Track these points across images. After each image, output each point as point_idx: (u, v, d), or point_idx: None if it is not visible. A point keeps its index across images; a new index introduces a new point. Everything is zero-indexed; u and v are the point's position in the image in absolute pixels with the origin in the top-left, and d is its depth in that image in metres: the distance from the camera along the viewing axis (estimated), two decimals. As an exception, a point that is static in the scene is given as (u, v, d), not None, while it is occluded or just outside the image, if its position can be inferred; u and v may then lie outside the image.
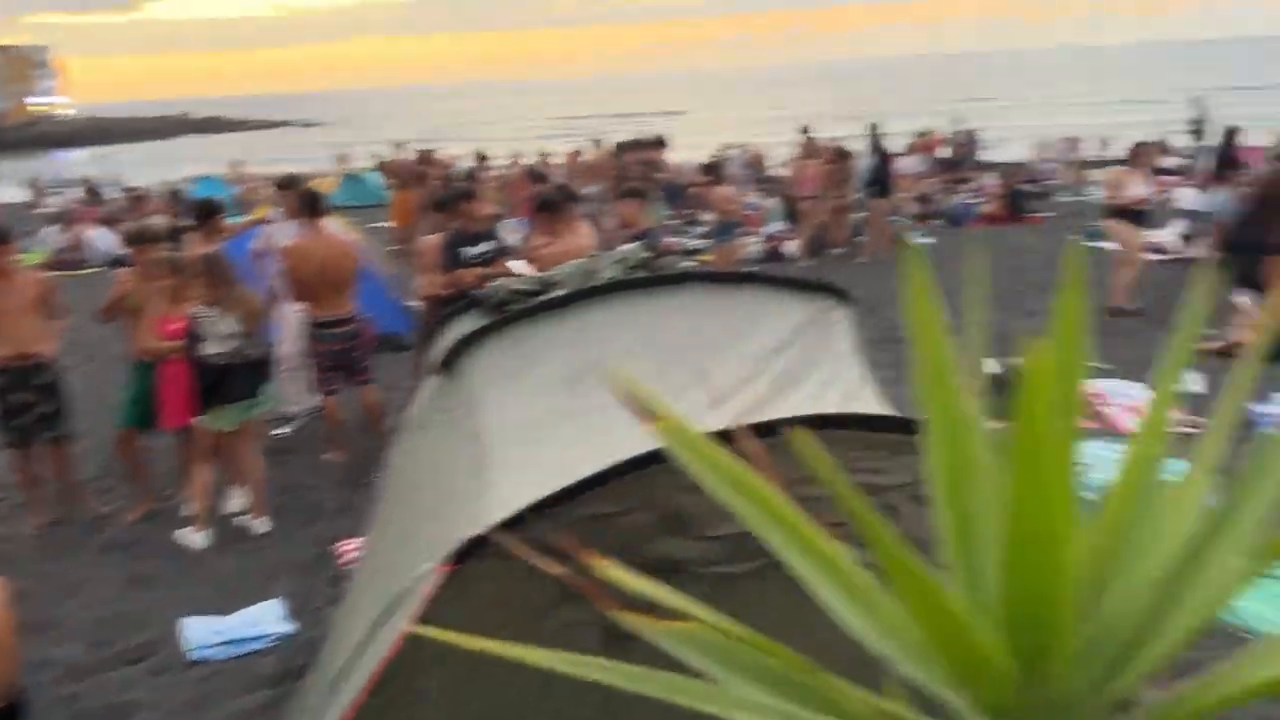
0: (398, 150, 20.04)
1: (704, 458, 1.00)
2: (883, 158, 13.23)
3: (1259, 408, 6.90)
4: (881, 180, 13.10)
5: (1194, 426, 5.21)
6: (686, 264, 12.49)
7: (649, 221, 7.16)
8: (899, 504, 2.16)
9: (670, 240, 12.78)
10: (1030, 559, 0.90)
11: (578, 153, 18.85)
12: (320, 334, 6.45)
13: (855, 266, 12.88)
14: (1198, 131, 19.65)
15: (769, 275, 3.72)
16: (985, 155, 24.96)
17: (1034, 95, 71.82)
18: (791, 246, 13.79)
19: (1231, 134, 13.07)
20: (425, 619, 2.01)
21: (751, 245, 13.64)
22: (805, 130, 17.53)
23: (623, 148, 17.13)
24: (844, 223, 13.65)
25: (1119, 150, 25.11)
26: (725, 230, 11.97)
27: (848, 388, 3.02)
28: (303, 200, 6.51)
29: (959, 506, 0.94)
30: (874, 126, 13.37)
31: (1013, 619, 0.93)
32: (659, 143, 17.34)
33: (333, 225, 7.31)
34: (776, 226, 14.69)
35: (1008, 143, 30.04)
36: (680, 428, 1.02)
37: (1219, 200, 10.79)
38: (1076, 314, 0.99)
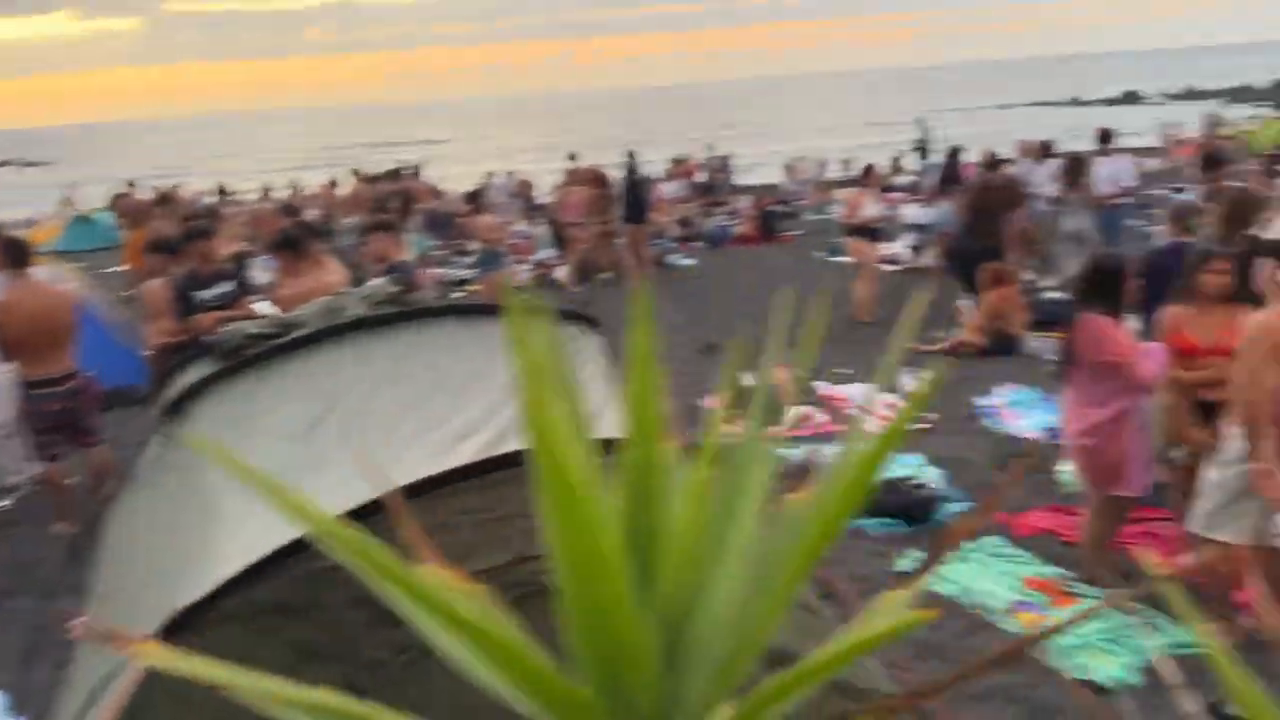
0: (130, 188, 18.55)
1: (347, 546, 0.95)
2: (635, 183, 13.56)
3: (981, 400, 7.61)
4: (638, 205, 13.43)
5: (924, 421, 5.58)
6: (455, 294, 12.32)
7: (403, 254, 6.97)
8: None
9: (436, 271, 12.52)
10: (577, 589, 0.93)
11: (333, 184, 18.14)
12: (35, 394, 5.81)
13: (623, 290, 13.15)
14: (923, 150, 21.58)
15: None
16: (741, 179, 26.31)
17: (786, 121, 76.65)
18: (561, 273, 13.89)
19: (955, 152, 14.39)
20: (132, 710, 1.82)
21: (521, 273, 13.62)
22: (572, 157, 17.77)
23: (379, 178, 16.67)
24: (609, 247, 13.90)
25: (859, 171, 27.23)
26: (492, 259, 11.89)
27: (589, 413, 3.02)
28: (5, 250, 5.86)
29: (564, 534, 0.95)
30: (631, 154, 13.72)
31: (586, 652, 0.96)
32: (415, 172, 17.01)
33: (46, 273, 6.64)
34: (546, 253, 14.77)
35: (762, 166, 31.91)
36: (323, 520, 0.97)
37: (942, 213, 11.86)
38: (647, 345, 1.03)
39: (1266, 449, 3.67)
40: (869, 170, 10.23)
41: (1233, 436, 3.93)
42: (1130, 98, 75.17)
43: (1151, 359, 4.33)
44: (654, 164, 19.15)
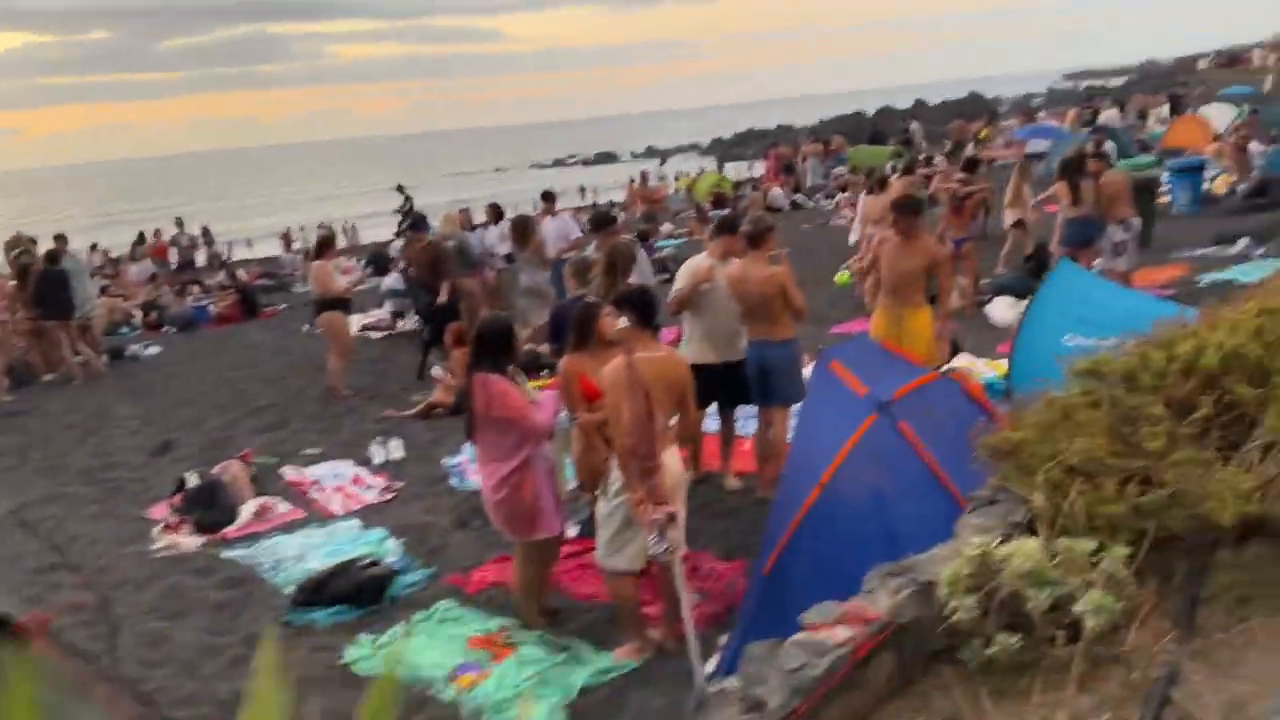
0: None
1: None
2: (48, 275, 11.73)
3: (450, 460, 7.74)
4: (58, 299, 11.61)
5: (391, 491, 5.39)
6: None
7: None
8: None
9: None
10: None
11: None
12: None
13: (71, 390, 11.53)
14: (407, 217, 21.88)
15: None
16: (234, 253, 24.73)
17: (289, 190, 74.06)
18: None
19: (416, 223, 14.71)
20: None
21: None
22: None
23: None
24: (57, 343, 12.07)
25: (368, 238, 27.11)
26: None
27: None
28: None
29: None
30: (59, 237, 12.10)
31: None
32: None
33: None
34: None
35: (260, 240, 30.40)
36: None
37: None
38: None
39: (632, 478, 4.05)
40: (323, 244, 10.01)
41: (614, 471, 4.31)
42: (606, 157, 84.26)
43: (545, 408, 4.62)
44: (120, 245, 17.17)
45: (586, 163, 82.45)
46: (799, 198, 24.96)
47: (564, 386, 4.90)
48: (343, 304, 9.85)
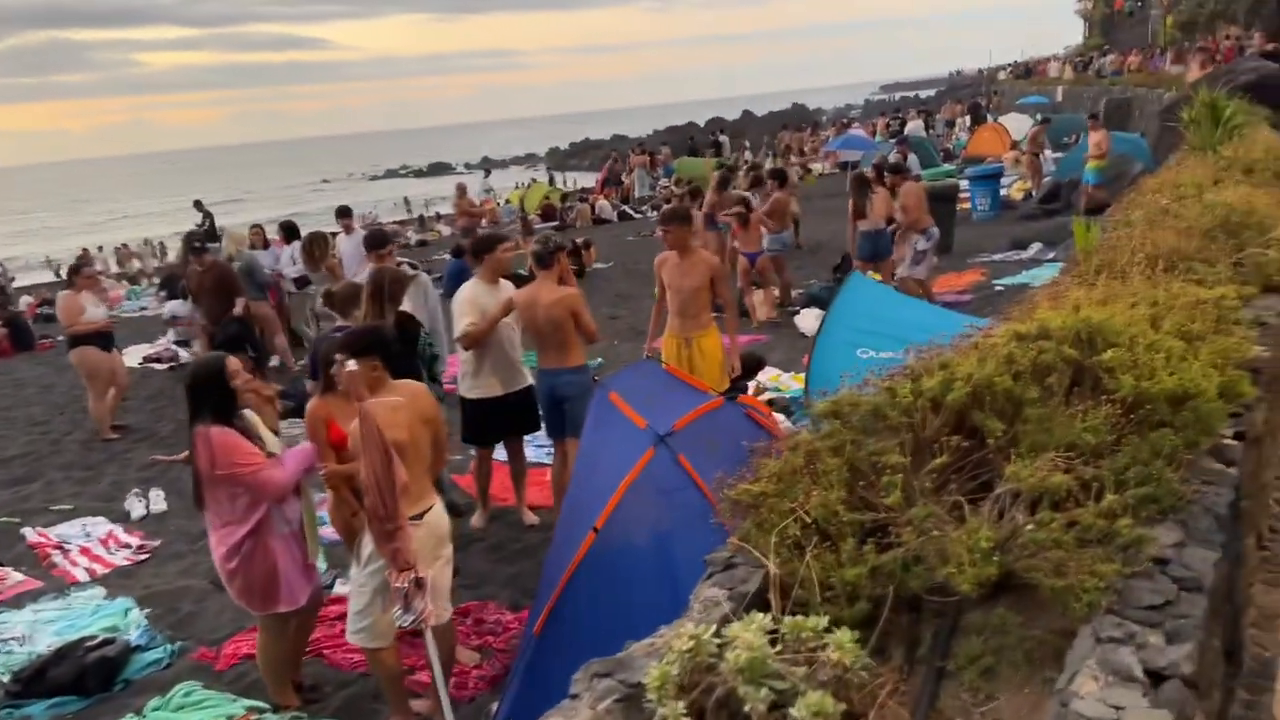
0: None
1: None
2: None
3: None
4: None
5: (145, 551, 4.56)
6: None
7: None
8: None
9: None
10: None
11: None
12: None
13: None
14: (211, 235, 20.49)
15: None
16: (29, 279, 22.73)
17: (99, 207, 69.07)
18: None
19: (197, 248, 13.65)
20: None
21: None
22: None
23: None
24: None
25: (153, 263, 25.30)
26: None
27: None
28: None
29: None
30: None
31: None
32: None
33: None
34: None
35: (39, 268, 27.99)
36: None
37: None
38: None
39: (377, 540, 3.57)
40: (73, 270, 8.97)
41: (366, 534, 3.80)
42: (440, 168, 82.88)
43: (288, 462, 4.07)
44: None
45: (419, 174, 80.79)
46: (627, 208, 24.88)
47: (310, 433, 4.35)
48: (100, 337, 8.81)
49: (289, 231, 10.67)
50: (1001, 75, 49.14)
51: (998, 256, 12.72)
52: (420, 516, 3.81)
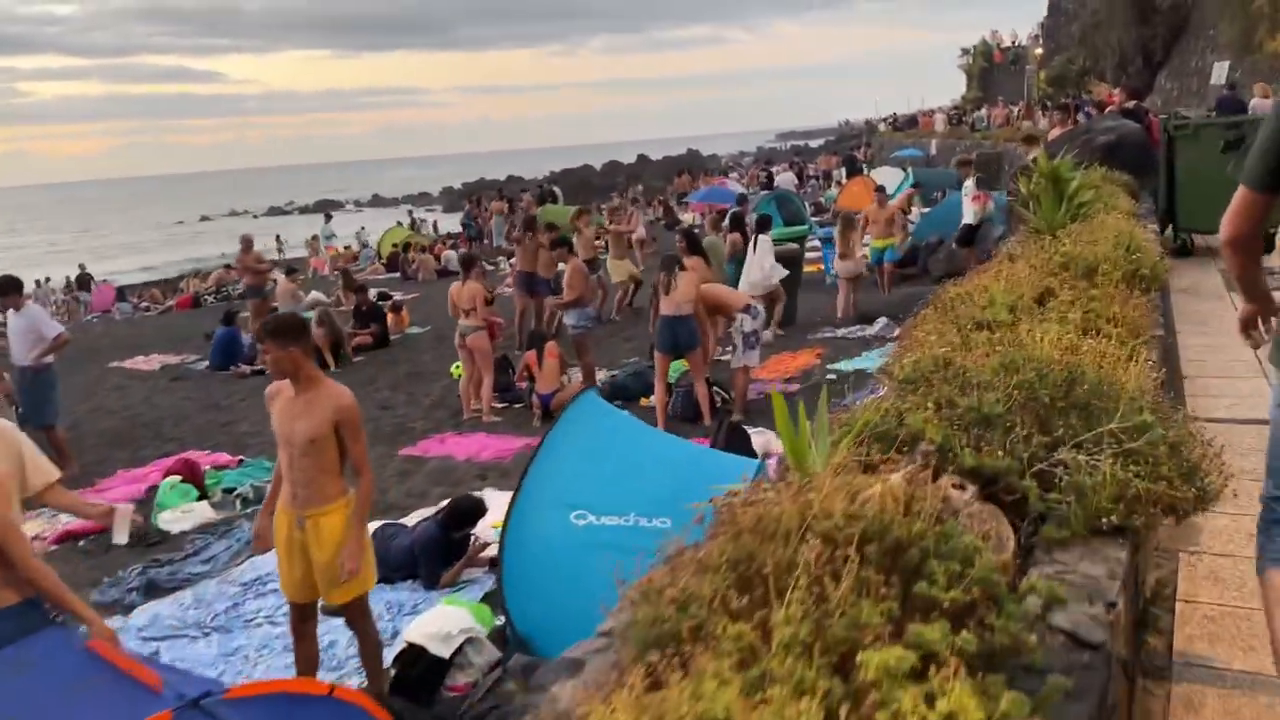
0: None
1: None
2: None
3: None
4: None
5: None
6: None
7: None
8: None
9: None
10: None
11: None
12: None
13: None
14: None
15: None
16: None
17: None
18: None
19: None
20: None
21: None
22: None
23: None
24: None
25: None
26: None
27: None
28: None
29: None
30: None
31: None
32: None
33: None
34: None
35: None
36: None
37: None
38: None
39: None
40: None
41: None
42: (328, 204, 79.95)
43: None
44: None
45: (305, 210, 77.73)
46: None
47: None
48: None
49: None
50: (881, 126, 49.16)
51: (842, 332, 11.21)
52: None
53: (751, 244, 11.37)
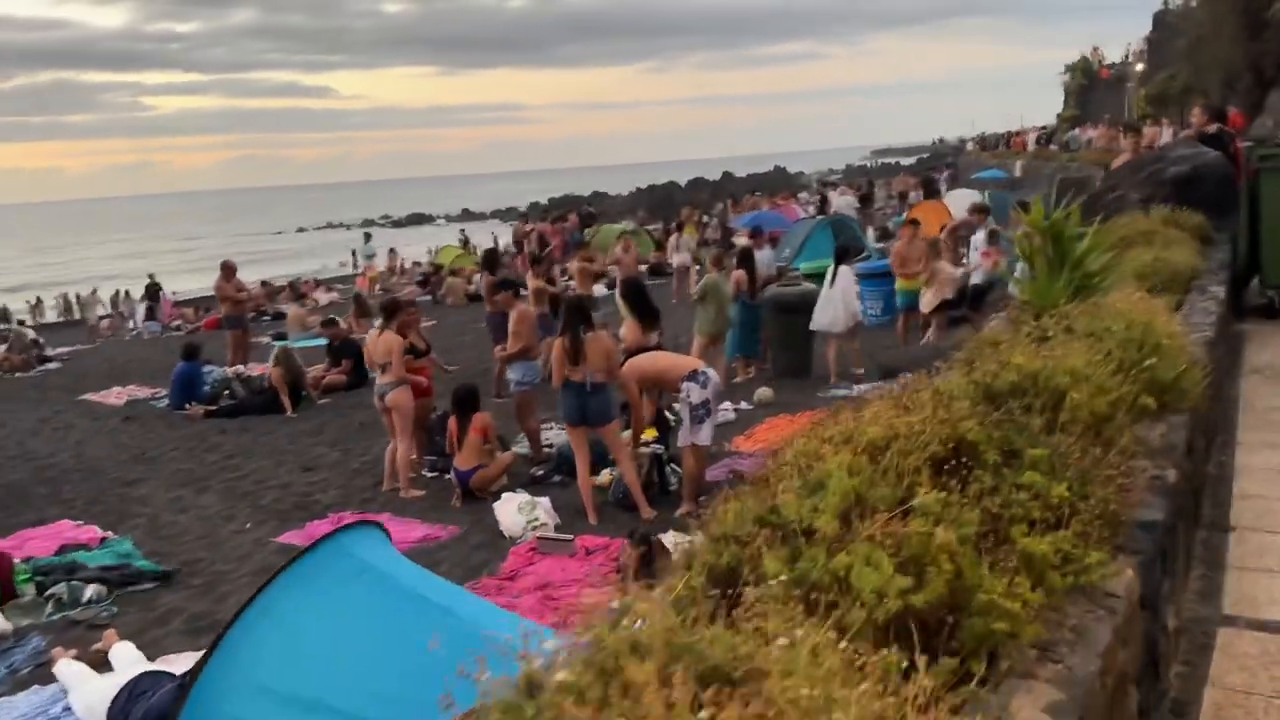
0: None
1: None
2: None
3: None
4: None
5: None
6: None
7: None
8: None
9: None
10: None
11: None
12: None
13: None
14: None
15: None
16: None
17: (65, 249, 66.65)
18: None
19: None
20: None
21: None
22: None
23: None
24: None
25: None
26: None
27: None
28: None
29: None
30: None
31: None
32: None
33: None
34: None
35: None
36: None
37: None
38: None
39: None
40: None
41: None
42: (418, 219, 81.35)
43: None
44: None
45: (397, 224, 79.01)
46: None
47: None
48: None
49: None
50: (969, 146, 46.42)
51: (857, 390, 9.59)
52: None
53: (829, 277, 10.10)
